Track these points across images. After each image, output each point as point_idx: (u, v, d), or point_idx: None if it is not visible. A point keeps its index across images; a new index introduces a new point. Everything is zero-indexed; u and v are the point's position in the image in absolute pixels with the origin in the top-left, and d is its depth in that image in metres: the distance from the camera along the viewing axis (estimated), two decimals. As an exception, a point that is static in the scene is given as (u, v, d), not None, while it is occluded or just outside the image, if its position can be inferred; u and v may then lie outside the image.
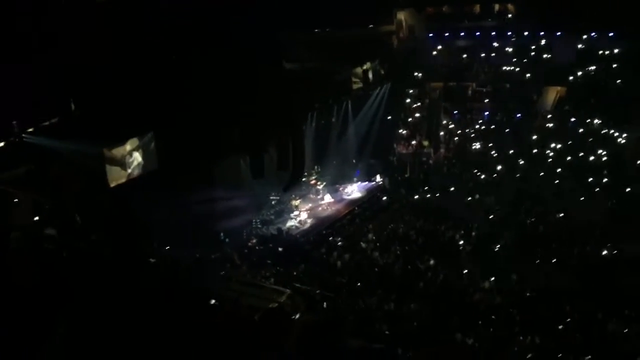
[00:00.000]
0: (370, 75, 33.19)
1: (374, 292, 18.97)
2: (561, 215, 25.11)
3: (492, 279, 19.97)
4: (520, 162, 30.38)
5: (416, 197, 29.13)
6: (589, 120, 30.88)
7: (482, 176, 29.97)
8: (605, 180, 27.19)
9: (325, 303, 15.91)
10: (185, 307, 7.36)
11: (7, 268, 6.81)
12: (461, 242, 23.58)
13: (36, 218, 14.00)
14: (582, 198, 26.40)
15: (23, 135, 17.73)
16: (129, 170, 20.03)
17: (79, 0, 12.55)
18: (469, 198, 27.86)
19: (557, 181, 27.97)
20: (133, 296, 6.68)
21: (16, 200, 14.67)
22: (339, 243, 24.00)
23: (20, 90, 15.72)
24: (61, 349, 5.03)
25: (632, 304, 17.67)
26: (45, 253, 8.34)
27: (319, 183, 29.42)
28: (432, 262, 21.37)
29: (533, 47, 35.29)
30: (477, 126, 33.98)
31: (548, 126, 32.30)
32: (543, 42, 34.88)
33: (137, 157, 20.32)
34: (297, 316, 9.44)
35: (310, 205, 28.30)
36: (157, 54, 18.89)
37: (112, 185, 19.41)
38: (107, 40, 17.17)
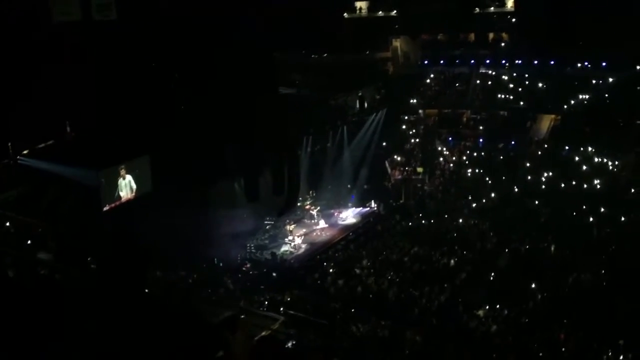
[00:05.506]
0: (366, 101, 33.45)
1: (368, 319, 18.82)
2: (555, 242, 25.03)
3: (487, 307, 19.83)
4: (514, 189, 30.45)
5: (411, 223, 29.08)
6: (582, 148, 31.10)
7: (476, 203, 29.99)
8: (600, 208, 27.24)
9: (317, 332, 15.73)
10: (180, 332, 7.26)
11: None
12: (456, 269, 23.44)
13: (29, 242, 13.87)
14: (577, 225, 26.42)
15: (18, 157, 17.71)
16: (123, 193, 20.01)
17: (75, 23, 12.63)
18: (463, 224, 27.82)
19: (551, 208, 27.98)
20: (128, 321, 6.58)
21: (9, 223, 14.56)
22: (333, 269, 23.84)
23: (16, 112, 15.73)
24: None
25: (627, 333, 17.56)
26: (38, 278, 8.24)
27: (313, 208, 29.37)
28: (426, 288, 21.25)
29: (527, 75, 35.73)
30: (472, 153, 34.12)
31: (541, 153, 32.50)
32: (536, 70, 35.28)
33: (132, 179, 20.31)
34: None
35: (304, 230, 28.23)
36: (152, 77, 18.97)
37: (107, 207, 19.38)
38: (103, 62, 17.22)
